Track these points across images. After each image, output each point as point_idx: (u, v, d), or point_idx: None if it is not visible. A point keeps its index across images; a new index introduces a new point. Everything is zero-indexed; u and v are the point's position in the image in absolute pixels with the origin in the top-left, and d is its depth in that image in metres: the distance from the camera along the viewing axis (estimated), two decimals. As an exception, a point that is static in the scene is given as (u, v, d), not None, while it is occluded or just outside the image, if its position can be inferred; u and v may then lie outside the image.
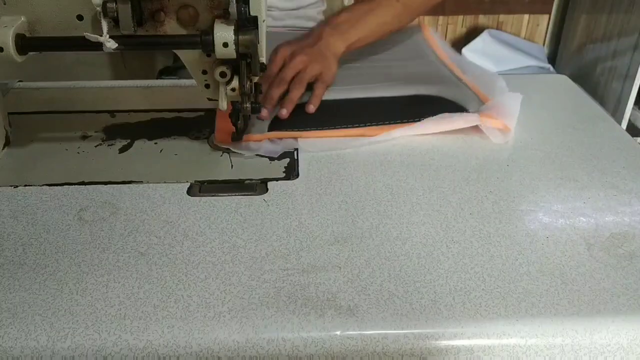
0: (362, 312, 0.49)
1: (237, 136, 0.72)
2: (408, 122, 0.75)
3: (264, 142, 0.73)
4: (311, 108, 0.78)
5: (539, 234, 0.58)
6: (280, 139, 0.74)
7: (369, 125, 0.75)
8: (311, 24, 1.18)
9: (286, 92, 0.78)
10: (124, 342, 0.46)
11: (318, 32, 0.86)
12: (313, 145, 0.72)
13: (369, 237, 0.57)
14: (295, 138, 0.74)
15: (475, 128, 0.76)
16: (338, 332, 0.47)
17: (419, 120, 0.75)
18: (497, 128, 0.75)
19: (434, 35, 1.02)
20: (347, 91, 0.83)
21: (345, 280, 0.52)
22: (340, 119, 0.77)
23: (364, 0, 0.90)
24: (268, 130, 0.75)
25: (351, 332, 0.47)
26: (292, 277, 0.52)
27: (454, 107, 0.78)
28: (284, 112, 0.76)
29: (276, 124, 0.76)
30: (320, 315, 0.48)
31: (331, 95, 0.82)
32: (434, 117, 0.75)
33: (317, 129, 0.75)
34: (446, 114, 0.75)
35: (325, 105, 0.79)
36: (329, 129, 0.75)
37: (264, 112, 0.76)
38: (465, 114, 0.76)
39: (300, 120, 0.76)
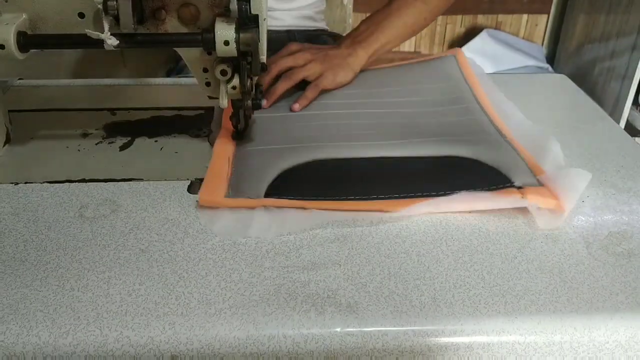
0: (362, 309, 0.49)
1: (238, 136, 0.72)
2: (436, 195, 0.60)
3: (257, 210, 0.59)
4: (295, 107, 0.74)
5: (538, 232, 0.58)
6: (279, 207, 0.59)
7: (387, 199, 0.60)
8: (311, 24, 1.18)
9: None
10: (125, 339, 0.47)
11: (337, 44, 0.83)
12: (318, 218, 0.58)
13: (369, 234, 0.58)
14: (297, 208, 0.59)
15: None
16: (338, 329, 0.48)
17: (449, 194, 0.60)
18: (549, 208, 0.59)
19: (471, 64, 0.88)
20: (365, 148, 0.68)
21: (345, 277, 0.52)
22: (354, 185, 0.63)
23: (382, 7, 0.86)
24: (265, 195, 0.61)
25: (351, 329, 0.48)
26: (292, 274, 0.52)
27: (496, 176, 0.63)
28: (264, 103, 0.73)
29: (276, 186, 0.62)
30: (321, 312, 0.49)
31: (344, 151, 0.68)
32: (469, 193, 0.60)
33: (324, 199, 0.60)
34: (485, 194, 0.60)
35: (336, 165, 0.66)
36: (339, 199, 0.61)
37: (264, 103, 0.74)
38: (509, 190, 0.61)
39: (306, 185, 0.63)
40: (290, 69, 0.79)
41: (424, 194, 0.61)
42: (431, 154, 0.67)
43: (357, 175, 0.65)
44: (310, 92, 0.76)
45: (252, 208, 0.59)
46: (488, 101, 0.78)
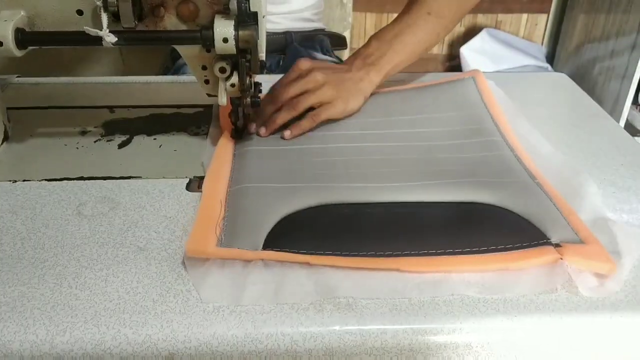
0: (361, 307, 0.49)
1: (237, 134, 0.71)
2: (460, 252, 0.52)
3: (254, 264, 0.51)
4: (287, 134, 0.66)
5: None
6: (280, 261, 0.52)
7: (404, 256, 0.52)
8: (309, 26, 1.18)
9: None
10: (123, 336, 0.46)
11: (348, 64, 0.76)
12: (325, 281, 0.50)
13: (368, 233, 0.57)
14: (301, 263, 0.51)
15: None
16: (337, 327, 0.47)
17: (476, 253, 0.52)
18: (594, 272, 0.51)
19: (491, 87, 0.80)
20: (378, 191, 0.60)
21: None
22: (367, 238, 0.54)
23: (392, 23, 0.79)
24: (263, 247, 0.53)
25: (350, 327, 0.47)
26: (291, 273, 0.52)
27: (527, 230, 0.55)
28: (263, 131, 0.67)
29: (273, 239, 0.54)
30: (319, 310, 0.48)
31: (355, 194, 0.60)
32: (498, 254, 0.52)
33: (332, 254, 0.52)
34: (515, 253, 0.52)
35: (345, 212, 0.58)
36: (349, 255, 0.52)
37: (252, 127, 0.69)
38: (544, 249, 0.52)
39: (311, 236, 0.55)
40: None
41: (447, 251, 0.52)
42: (452, 198, 0.59)
43: (370, 225, 0.56)
44: (307, 122, 0.68)
45: (248, 261, 0.51)
46: (512, 132, 0.70)
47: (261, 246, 0.53)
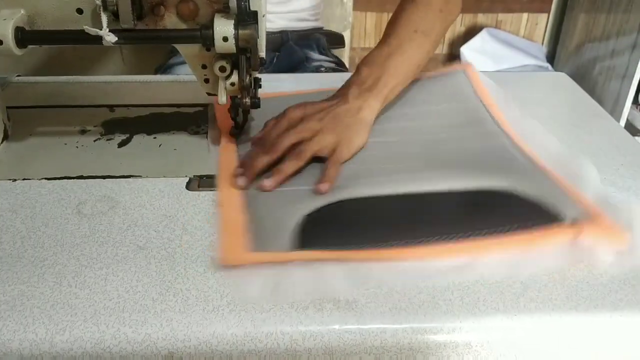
0: (361, 306, 0.49)
1: (237, 131, 0.71)
2: (480, 236, 0.54)
3: (289, 266, 0.51)
4: (323, 187, 0.59)
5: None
6: (318, 260, 0.52)
7: (431, 242, 0.54)
8: (304, 25, 1.18)
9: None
10: (123, 335, 0.46)
11: (343, 94, 0.71)
12: (360, 270, 0.52)
13: (368, 232, 0.57)
14: (335, 260, 0.52)
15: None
16: (336, 326, 0.47)
17: (495, 235, 0.54)
18: (613, 245, 0.53)
19: (482, 79, 0.81)
20: (388, 184, 0.61)
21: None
22: (391, 229, 0.56)
23: (379, 45, 0.75)
24: (293, 247, 0.53)
25: (350, 326, 0.47)
26: (290, 272, 0.52)
27: (541, 211, 0.56)
28: (268, 183, 0.60)
29: (301, 235, 0.54)
30: (319, 309, 0.48)
31: (367, 189, 0.61)
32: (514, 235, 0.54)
33: (361, 247, 0.53)
34: (530, 234, 0.54)
35: (360, 206, 0.59)
36: (377, 246, 0.53)
37: (240, 181, 0.62)
38: (559, 228, 0.54)
39: (335, 233, 0.56)
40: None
41: (467, 236, 0.54)
42: (462, 187, 0.60)
43: (390, 217, 0.58)
44: (331, 170, 0.62)
45: (284, 263, 0.52)
46: (507, 121, 0.72)
47: (289, 246, 0.53)
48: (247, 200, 0.60)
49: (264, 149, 0.64)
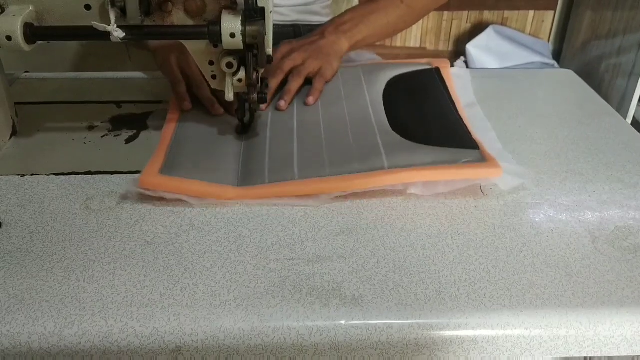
0: (367, 301, 0.49)
1: (243, 130, 0.72)
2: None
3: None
4: (310, 100, 0.77)
5: (544, 226, 0.58)
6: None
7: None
8: (317, 19, 1.18)
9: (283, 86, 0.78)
10: (131, 329, 0.47)
11: (321, 31, 0.85)
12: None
13: (374, 228, 0.57)
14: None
15: None
16: (343, 322, 0.48)
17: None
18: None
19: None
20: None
21: (350, 270, 0.52)
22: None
23: (368, 1, 0.88)
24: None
25: (356, 322, 0.48)
26: (297, 267, 0.52)
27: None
28: (282, 104, 0.76)
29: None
30: (325, 305, 0.49)
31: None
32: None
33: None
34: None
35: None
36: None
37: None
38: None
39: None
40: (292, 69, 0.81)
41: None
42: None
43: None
44: (318, 84, 0.79)
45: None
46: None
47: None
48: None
49: (270, 74, 0.78)
